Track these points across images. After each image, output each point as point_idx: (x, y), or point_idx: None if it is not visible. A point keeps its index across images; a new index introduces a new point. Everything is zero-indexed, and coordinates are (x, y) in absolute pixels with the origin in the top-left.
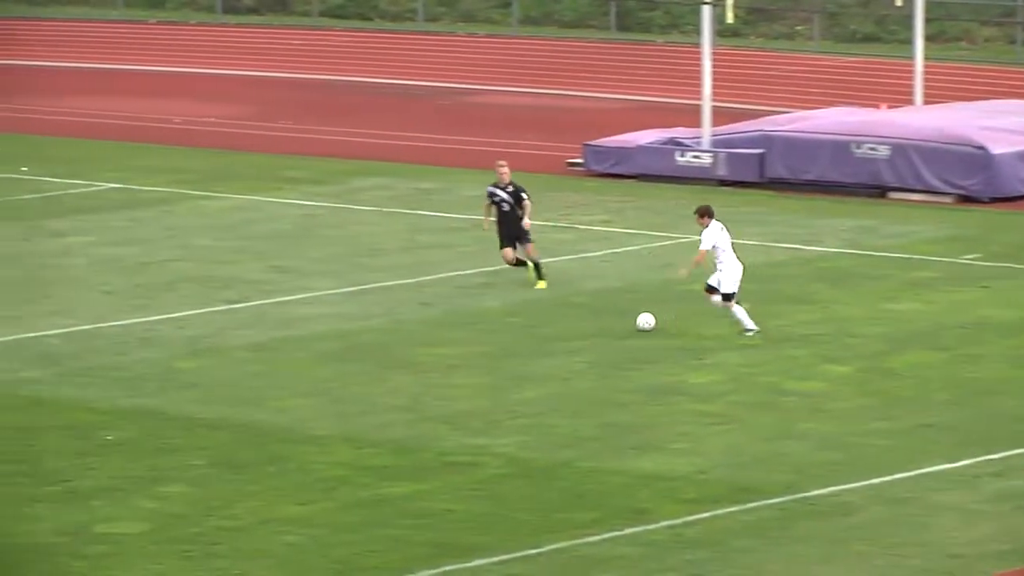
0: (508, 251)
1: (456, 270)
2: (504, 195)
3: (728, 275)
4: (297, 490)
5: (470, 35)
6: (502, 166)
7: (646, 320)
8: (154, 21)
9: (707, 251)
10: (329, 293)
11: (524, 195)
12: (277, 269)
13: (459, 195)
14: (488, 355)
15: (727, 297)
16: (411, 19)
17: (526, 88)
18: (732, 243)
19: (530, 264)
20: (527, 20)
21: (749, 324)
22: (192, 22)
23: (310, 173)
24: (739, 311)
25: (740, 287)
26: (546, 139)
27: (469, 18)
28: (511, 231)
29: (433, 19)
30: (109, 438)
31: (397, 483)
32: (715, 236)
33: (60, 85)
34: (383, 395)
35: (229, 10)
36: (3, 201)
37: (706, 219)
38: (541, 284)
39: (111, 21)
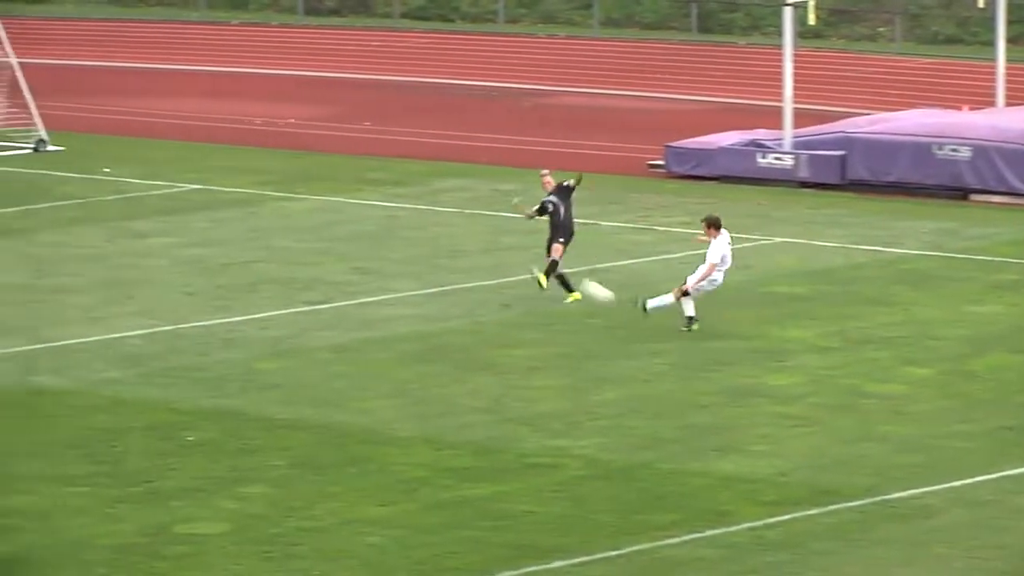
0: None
1: (538, 271)
2: (553, 198)
3: (699, 276)
4: (378, 491)
5: (551, 36)
6: (544, 175)
7: (598, 292)
8: (236, 22)
9: (716, 264)
10: (410, 294)
11: (567, 183)
12: (359, 270)
13: (539, 196)
14: (568, 356)
15: (686, 292)
16: (492, 20)
17: (607, 90)
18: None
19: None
20: (608, 21)
21: (656, 302)
22: (273, 23)
23: (391, 174)
24: (666, 299)
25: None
26: (627, 140)
27: (550, 19)
28: (557, 235)
29: (514, 20)
30: (191, 438)
31: (477, 484)
32: (724, 248)
33: (142, 86)
34: (464, 396)
35: (310, 11)
36: (86, 202)
37: (713, 230)
38: (542, 278)
39: (193, 22)
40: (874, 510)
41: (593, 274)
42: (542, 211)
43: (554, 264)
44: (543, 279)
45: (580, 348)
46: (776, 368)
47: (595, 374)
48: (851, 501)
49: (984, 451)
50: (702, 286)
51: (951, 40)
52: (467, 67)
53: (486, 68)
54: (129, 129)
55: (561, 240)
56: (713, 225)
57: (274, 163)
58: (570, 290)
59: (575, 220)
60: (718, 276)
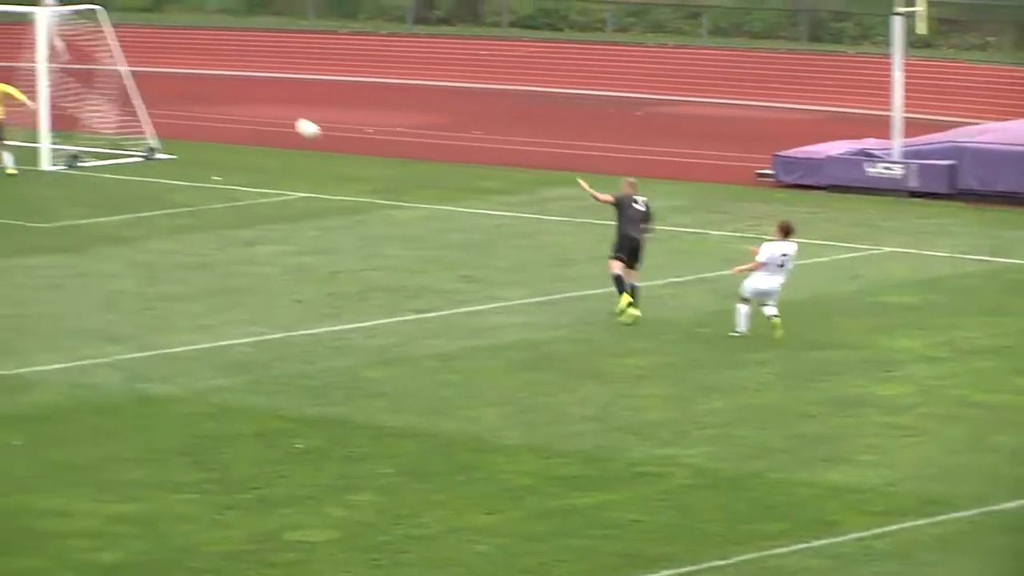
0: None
1: (645, 280)
2: (624, 198)
3: (755, 280)
4: (485, 499)
5: (659, 45)
6: (631, 182)
7: (306, 128)
8: (345, 31)
9: (762, 263)
10: (518, 303)
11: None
12: (467, 279)
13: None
14: (676, 366)
15: (745, 297)
16: (600, 29)
17: (715, 99)
18: (784, 266)
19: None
20: (717, 31)
21: (739, 326)
22: (383, 32)
23: (500, 183)
24: (742, 309)
25: (756, 296)
26: (735, 150)
27: (659, 28)
28: (614, 249)
29: (623, 29)
30: (299, 446)
31: (585, 493)
32: (775, 252)
33: (252, 94)
34: (571, 405)
35: (420, 20)
36: (195, 210)
37: (780, 234)
38: (624, 304)
39: (302, 31)
40: (983, 521)
41: (703, 283)
42: (617, 203)
43: (617, 280)
44: (625, 305)
45: (688, 357)
46: (885, 378)
47: (703, 383)
48: (960, 511)
49: None
50: (748, 287)
51: None
52: (576, 76)
53: (595, 77)
54: (239, 137)
55: (618, 255)
56: (783, 230)
57: (384, 171)
58: (621, 292)
59: (642, 236)
60: (772, 283)
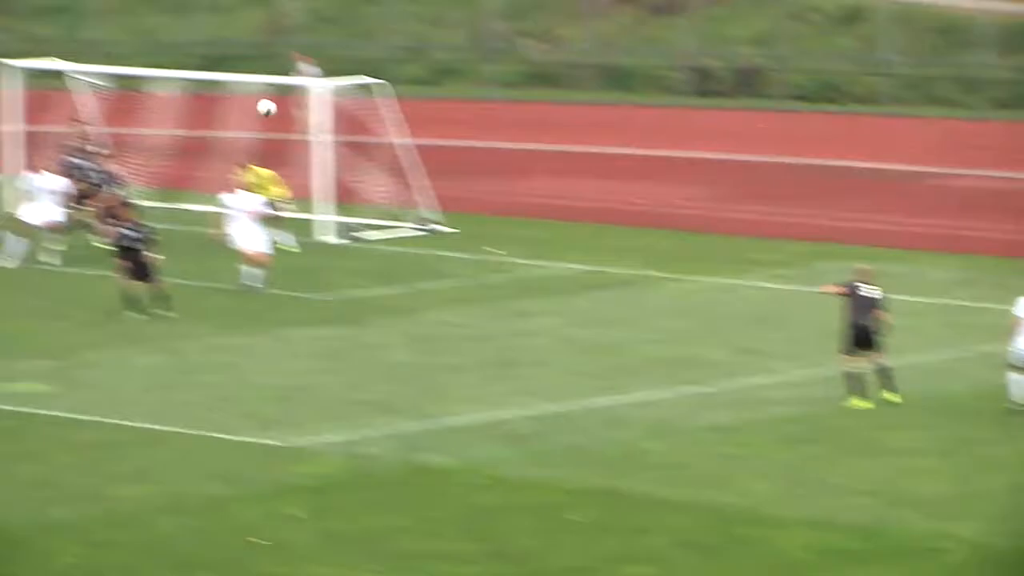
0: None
1: (923, 353)
2: (851, 286)
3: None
4: (762, 573)
5: (938, 118)
6: (862, 269)
7: (266, 106)
8: (622, 104)
9: (1021, 317)
10: (794, 375)
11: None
12: (743, 351)
13: (926, 278)
14: (953, 439)
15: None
16: (878, 102)
17: (996, 172)
18: None
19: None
20: (997, 103)
21: (1013, 396)
22: (660, 105)
23: (776, 255)
24: (1013, 378)
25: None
26: (1017, 223)
27: (937, 101)
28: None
29: (900, 102)
30: (574, 518)
31: (864, 567)
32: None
33: (529, 166)
34: (847, 478)
35: (698, 93)
36: (472, 282)
37: None
38: (891, 396)
39: (580, 104)
40: None
41: (983, 357)
42: (847, 291)
43: (849, 379)
44: (891, 396)
45: (964, 431)
46: None
47: (980, 457)
48: None
49: None
50: (1016, 352)
51: None
52: (853, 148)
53: (873, 149)
54: (516, 209)
55: (848, 348)
56: None
57: (660, 243)
58: (859, 395)
59: (873, 323)
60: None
